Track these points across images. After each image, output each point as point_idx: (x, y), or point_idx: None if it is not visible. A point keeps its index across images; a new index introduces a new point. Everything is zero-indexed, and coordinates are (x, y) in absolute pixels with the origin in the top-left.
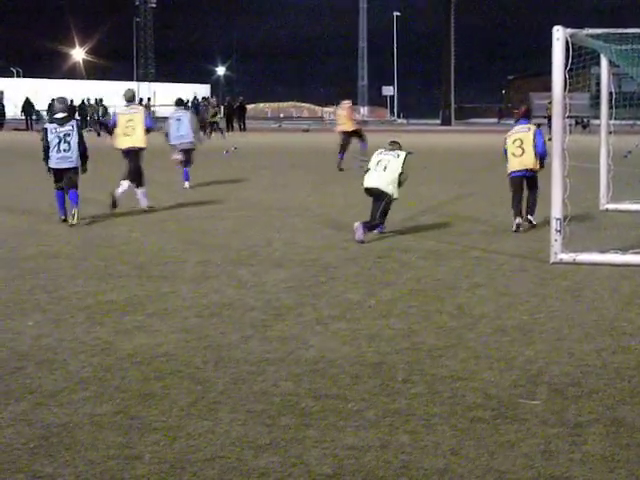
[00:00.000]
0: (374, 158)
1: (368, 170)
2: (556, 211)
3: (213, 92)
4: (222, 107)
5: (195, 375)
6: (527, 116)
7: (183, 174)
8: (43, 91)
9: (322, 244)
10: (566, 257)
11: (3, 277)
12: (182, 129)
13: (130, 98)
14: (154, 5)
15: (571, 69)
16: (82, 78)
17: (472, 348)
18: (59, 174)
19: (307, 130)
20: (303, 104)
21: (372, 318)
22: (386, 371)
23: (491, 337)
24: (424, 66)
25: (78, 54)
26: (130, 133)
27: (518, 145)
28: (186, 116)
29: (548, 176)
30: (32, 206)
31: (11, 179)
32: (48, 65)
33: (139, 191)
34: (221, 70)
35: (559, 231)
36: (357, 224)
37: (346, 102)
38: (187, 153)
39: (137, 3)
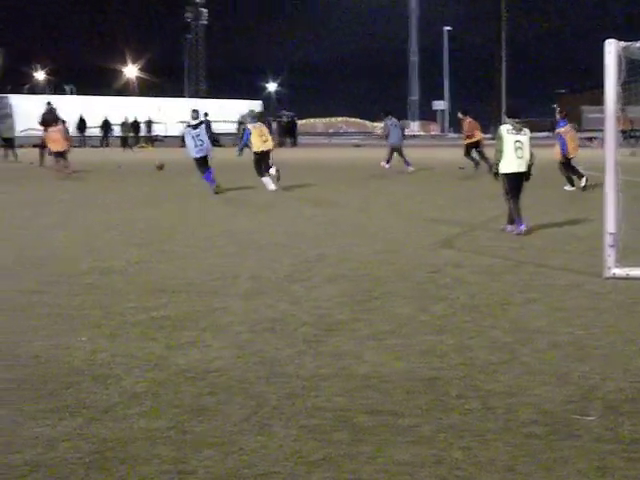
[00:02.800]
0: (508, 139)
1: (502, 153)
2: (610, 226)
3: (265, 108)
4: (273, 123)
5: (248, 390)
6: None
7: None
8: (96, 108)
9: (374, 259)
10: (619, 272)
11: (58, 293)
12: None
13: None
14: (205, 22)
15: (625, 82)
16: (134, 95)
17: (526, 363)
18: (200, 160)
19: (358, 145)
20: (354, 119)
21: (425, 333)
22: (440, 386)
23: (545, 352)
24: (475, 80)
25: (130, 71)
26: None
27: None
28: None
29: (598, 191)
30: (85, 222)
31: (72, 196)
32: (101, 82)
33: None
34: (272, 86)
35: (612, 246)
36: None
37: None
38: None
39: (189, 20)
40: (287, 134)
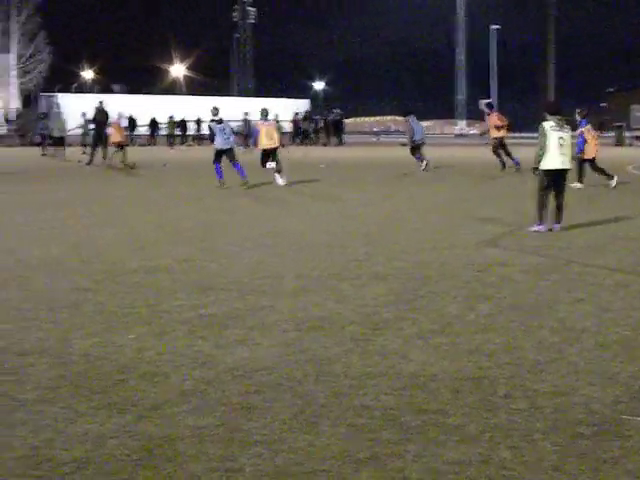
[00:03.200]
0: (552, 135)
1: (544, 150)
2: None
3: (312, 106)
4: (321, 121)
5: (296, 389)
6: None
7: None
8: (144, 107)
9: (421, 258)
10: None
11: (106, 290)
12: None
13: (265, 113)
14: (253, 21)
15: None
16: (181, 94)
17: (574, 363)
18: (225, 152)
19: (404, 144)
20: (402, 118)
21: (472, 332)
22: (487, 386)
23: (593, 352)
24: (523, 79)
25: (178, 70)
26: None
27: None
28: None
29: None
30: (132, 220)
31: (119, 193)
32: (148, 81)
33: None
34: (320, 85)
35: None
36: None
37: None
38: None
39: (236, 19)
40: (334, 132)
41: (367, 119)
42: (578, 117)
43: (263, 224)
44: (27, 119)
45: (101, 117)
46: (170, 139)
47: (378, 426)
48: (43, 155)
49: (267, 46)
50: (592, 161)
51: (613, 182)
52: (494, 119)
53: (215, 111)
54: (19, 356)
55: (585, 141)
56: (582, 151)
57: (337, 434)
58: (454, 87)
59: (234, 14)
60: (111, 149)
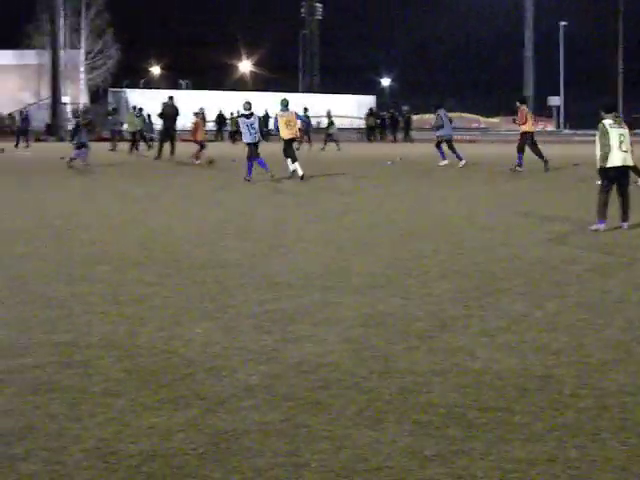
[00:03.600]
0: (612, 133)
1: (608, 148)
2: None
3: (378, 103)
4: (386, 117)
5: (361, 385)
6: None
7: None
8: (211, 103)
9: (486, 255)
10: None
11: (174, 285)
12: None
13: (285, 103)
14: (320, 17)
15: None
16: (248, 90)
17: None
18: (252, 146)
19: (473, 141)
20: (468, 115)
21: (538, 330)
22: (553, 384)
23: None
24: (591, 76)
25: (245, 66)
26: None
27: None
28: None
29: None
30: (199, 215)
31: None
32: (216, 78)
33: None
34: (386, 81)
35: None
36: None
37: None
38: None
39: (303, 15)
40: (400, 129)
41: (432, 116)
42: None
43: (330, 220)
44: (95, 114)
45: (170, 112)
46: (233, 135)
47: (443, 423)
48: (111, 150)
49: (334, 42)
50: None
51: None
52: (521, 114)
53: (247, 105)
54: (87, 349)
55: None
56: None
57: (402, 431)
58: (521, 84)
59: (302, 10)
60: (194, 146)
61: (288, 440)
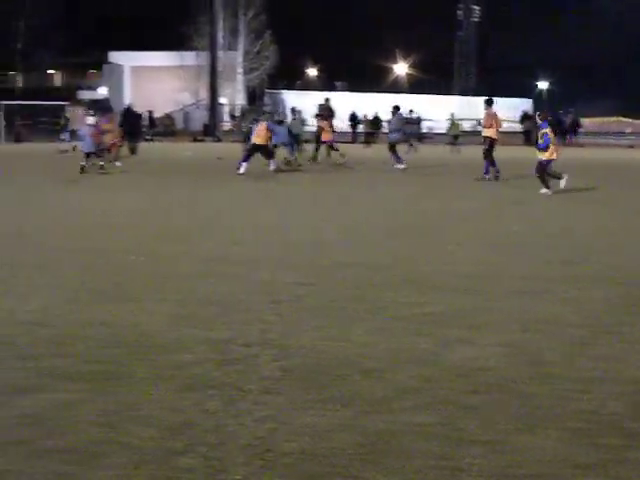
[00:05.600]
0: None
1: None
2: None
3: (536, 107)
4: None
5: (519, 390)
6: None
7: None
8: (365, 104)
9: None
10: None
11: (327, 285)
12: None
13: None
14: (477, 19)
15: None
16: (403, 92)
17: None
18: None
19: (632, 146)
20: (628, 119)
21: None
22: None
23: None
24: None
25: (400, 68)
26: None
27: None
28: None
29: None
30: (351, 218)
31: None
32: (371, 79)
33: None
34: (544, 85)
35: None
36: None
37: None
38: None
39: (460, 17)
40: (569, 132)
41: (590, 119)
42: (539, 120)
43: (480, 223)
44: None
45: (325, 112)
46: (368, 137)
47: (602, 432)
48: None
49: (490, 45)
50: (547, 163)
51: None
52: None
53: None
54: (244, 347)
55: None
56: (542, 149)
57: (560, 438)
58: None
59: (458, 12)
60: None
61: (443, 443)
